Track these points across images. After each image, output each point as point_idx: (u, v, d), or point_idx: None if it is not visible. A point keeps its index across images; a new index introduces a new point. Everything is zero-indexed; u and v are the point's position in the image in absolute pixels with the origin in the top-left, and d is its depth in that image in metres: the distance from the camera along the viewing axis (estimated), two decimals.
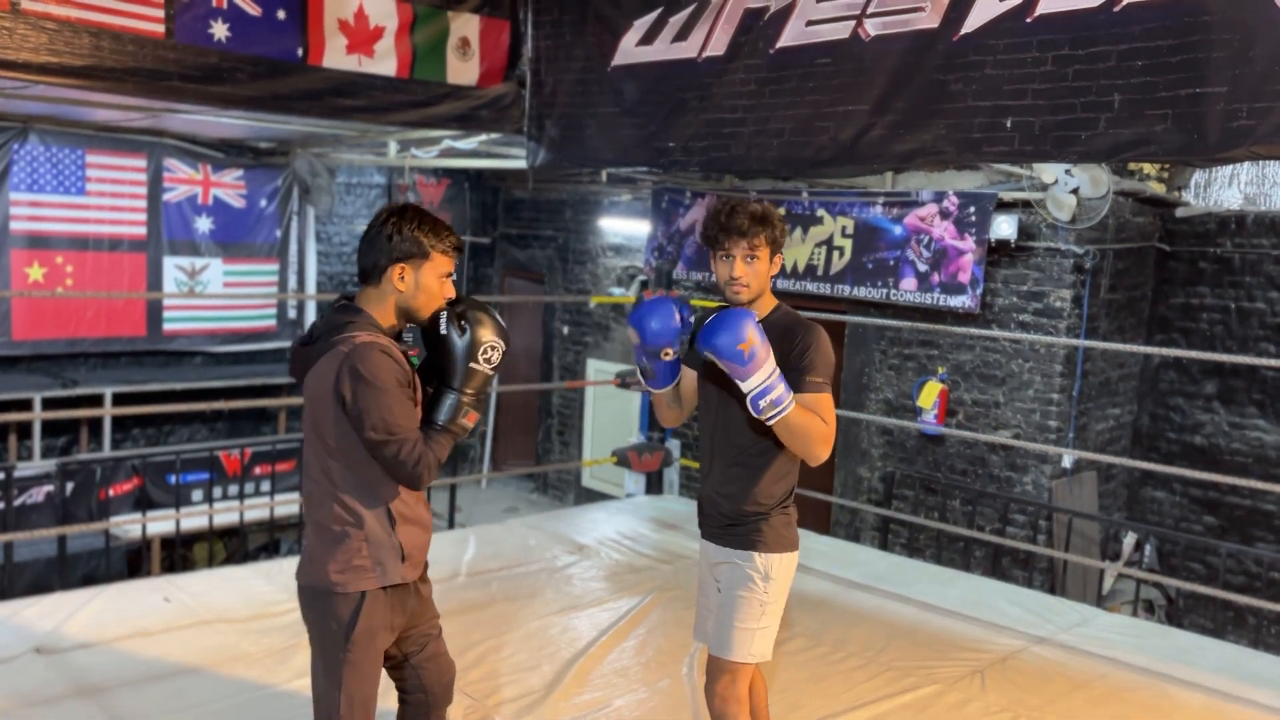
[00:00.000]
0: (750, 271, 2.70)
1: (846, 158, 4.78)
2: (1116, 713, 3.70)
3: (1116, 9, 3.84)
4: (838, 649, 4.12)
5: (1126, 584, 6.81)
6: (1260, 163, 6.30)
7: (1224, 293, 6.69)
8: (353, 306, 2.48)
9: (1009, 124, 4.19)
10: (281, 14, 5.18)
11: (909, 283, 6.81)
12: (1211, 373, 6.77)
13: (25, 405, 7.53)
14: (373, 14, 5.50)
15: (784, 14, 4.89)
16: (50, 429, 8.22)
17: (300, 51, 5.28)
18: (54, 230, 8.05)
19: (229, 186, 8.94)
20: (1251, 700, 3.83)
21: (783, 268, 3.16)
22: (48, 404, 7.67)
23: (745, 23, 5.06)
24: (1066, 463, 6.59)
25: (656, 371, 2.81)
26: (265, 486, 7.70)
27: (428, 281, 2.46)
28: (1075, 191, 6.11)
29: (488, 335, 2.47)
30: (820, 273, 7.28)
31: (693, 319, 2.80)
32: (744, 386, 2.56)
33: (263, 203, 9.14)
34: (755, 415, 2.59)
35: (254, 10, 5.08)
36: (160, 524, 6.79)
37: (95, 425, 8.40)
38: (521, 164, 6.64)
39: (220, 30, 4.99)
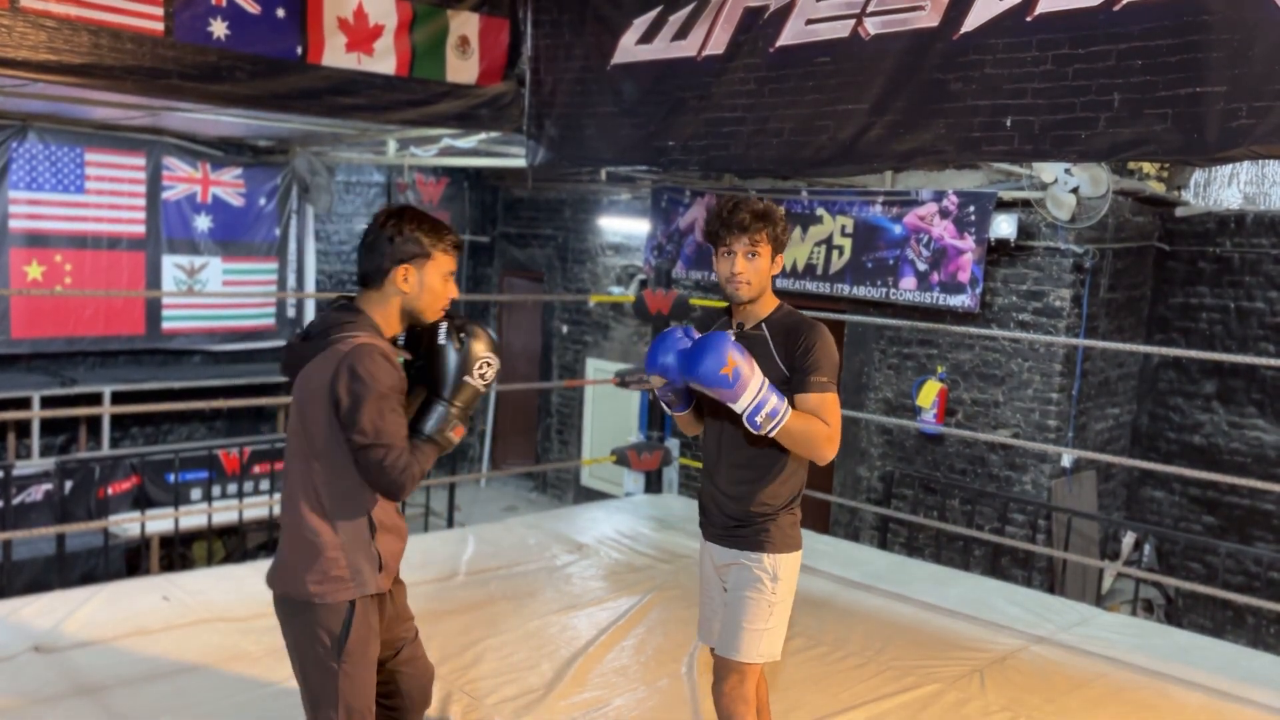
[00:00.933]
0: (751, 268, 2.69)
1: (846, 157, 4.78)
2: (1116, 712, 3.70)
3: (1116, 8, 3.84)
4: (837, 648, 4.12)
5: (1126, 583, 6.81)
6: (1260, 162, 6.30)
7: (1223, 292, 6.69)
8: (353, 307, 2.46)
9: (1008, 123, 4.19)
10: (281, 12, 5.17)
11: (908, 282, 6.81)
12: (1211, 372, 6.77)
13: (24, 404, 7.52)
14: (372, 12, 5.49)
15: (784, 13, 4.89)
16: (49, 427, 8.22)
17: (299, 50, 5.27)
18: (53, 229, 8.04)
19: (228, 185, 8.94)
20: (1250, 700, 3.83)
21: (782, 267, 3.16)
22: (46, 402, 7.66)
23: (745, 21, 5.05)
24: (1066, 462, 6.59)
25: (677, 397, 2.81)
26: (264, 485, 7.69)
27: (431, 281, 2.46)
28: (1075, 191, 6.11)
29: (485, 351, 2.47)
30: (820, 272, 7.28)
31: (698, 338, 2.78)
32: (736, 408, 2.56)
33: (262, 201, 9.13)
34: (754, 432, 2.59)
35: (253, 9, 5.08)
36: (159, 522, 6.79)
37: (94, 424, 8.39)
38: (521, 163, 6.64)
39: (219, 28, 4.98)
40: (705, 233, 2.79)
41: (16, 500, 6.77)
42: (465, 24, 5.90)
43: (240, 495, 7.06)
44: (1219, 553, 6.21)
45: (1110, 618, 4.76)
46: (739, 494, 2.77)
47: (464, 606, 4.36)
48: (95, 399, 7.89)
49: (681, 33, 5.34)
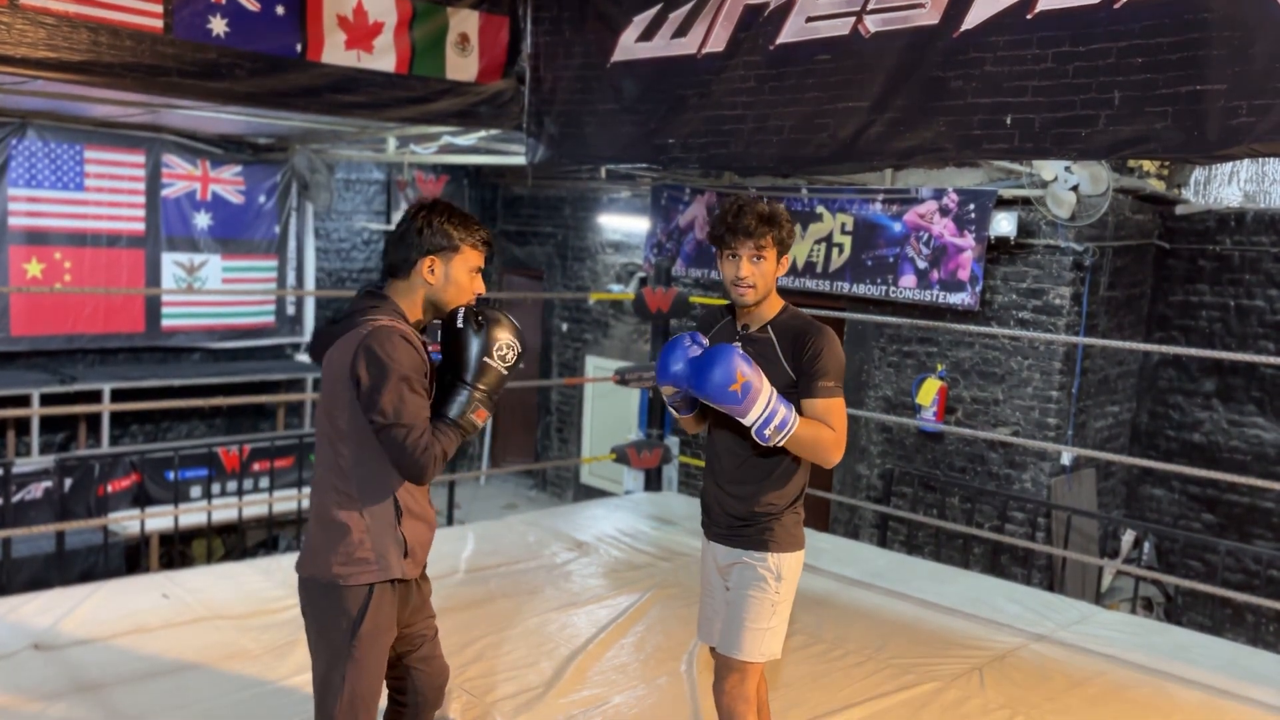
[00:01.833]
0: (756, 272, 2.68)
1: (846, 155, 4.78)
2: (1115, 710, 3.70)
3: (1117, 6, 3.84)
4: (836, 646, 4.12)
5: (1125, 581, 6.81)
6: (1260, 160, 6.29)
7: (1223, 290, 6.69)
8: (380, 293, 2.48)
9: (1009, 121, 4.19)
10: (280, 9, 5.17)
11: (908, 280, 6.81)
12: (1210, 370, 6.77)
13: (24, 401, 7.52)
14: (372, 9, 5.49)
15: (784, 10, 4.88)
16: (48, 425, 8.22)
17: (299, 47, 5.27)
18: (52, 226, 8.04)
19: (228, 182, 8.93)
20: (1249, 698, 3.83)
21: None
22: (46, 400, 7.66)
23: (745, 19, 5.05)
24: (1065, 460, 6.59)
25: (684, 401, 2.80)
26: (264, 483, 7.69)
27: (457, 274, 2.48)
28: (1075, 189, 6.10)
29: (504, 334, 2.47)
30: (820, 270, 7.28)
31: (706, 343, 2.76)
32: (745, 421, 2.55)
33: (261, 199, 9.13)
34: (763, 444, 2.59)
35: (253, 6, 5.07)
36: (159, 520, 6.80)
37: (94, 421, 8.39)
38: (520, 160, 6.63)
39: (219, 26, 4.98)
40: (709, 235, 2.77)
41: (16, 498, 6.77)
42: (465, 21, 5.90)
43: (240, 493, 7.06)
44: (1218, 551, 6.21)
45: (1110, 616, 4.76)
46: (743, 494, 2.76)
47: (463, 604, 4.36)
48: (95, 396, 7.89)
49: (681, 30, 5.34)
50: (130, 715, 3.29)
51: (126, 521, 6.61)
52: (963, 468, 6.95)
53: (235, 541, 7.40)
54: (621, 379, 6.14)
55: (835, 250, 7.20)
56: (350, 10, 5.40)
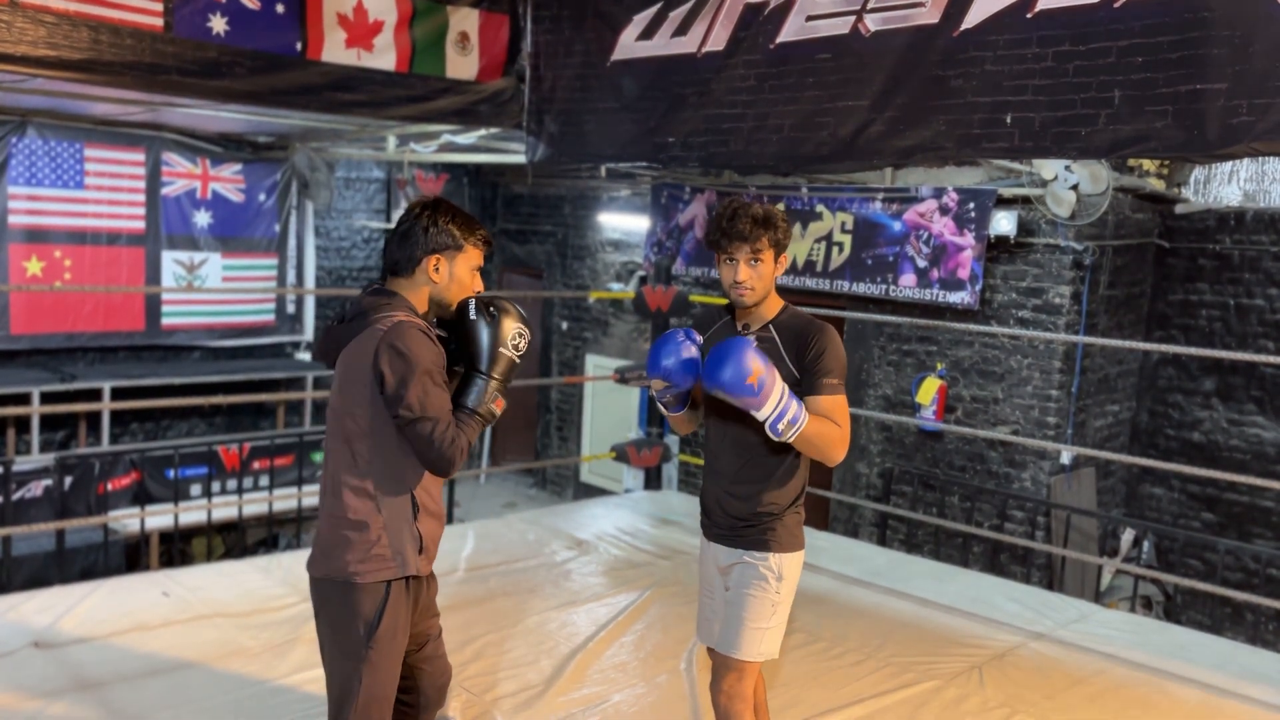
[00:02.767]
0: (754, 275, 2.69)
1: (846, 154, 4.78)
2: (1114, 708, 3.71)
3: (1117, 5, 3.84)
4: (836, 644, 4.13)
5: (1124, 580, 6.82)
6: (1260, 159, 6.29)
7: (1223, 289, 6.69)
8: (388, 290, 2.50)
9: (1009, 120, 4.19)
10: (280, 8, 5.17)
11: (908, 279, 6.81)
12: (1210, 369, 6.78)
13: (23, 399, 7.52)
14: (372, 8, 5.49)
15: (784, 9, 4.88)
16: (48, 423, 8.22)
17: (299, 46, 5.27)
18: (52, 224, 8.04)
19: (228, 181, 8.93)
20: (1248, 696, 3.84)
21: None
22: (46, 398, 7.66)
23: (745, 18, 5.05)
24: (1065, 459, 6.60)
25: (675, 398, 2.80)
26: (264, 481, 7.70)
27: (460, 273, 2.51)
28: (1075, 188, 6.10)
29: (516, 323, 2.51)
30: (819, 269, 7.28)
31: (700, 340, 2.76)
32: (759, 415, 2.54)
33: (261, 197, 9.13)
34: (775, 439, 2.58)
35: (253, 4, 5.07)
36: (159, 518, 6.80)
37: (93, 420, 8.39)
38: (520, 159, 6.63)
39: (219, 24, 4.98)
40: (706, 240, 2.78)
41: (16, 496, 6.77)
42: (465, 20, 5.90)
43: (240, 491, 7.07)
44: (1218, 550, 6.21)
45: (1109, 614, 4.77)
46: (745, 494, 2.76)
47: (463, 602, 4.36)
48: (95, 395, 7.89)
49: (682, 29, 5.34)
50: (130, 713, 3.29)
51: (126, 520, 6.61)
52: (962, 466, 6.96)
53: (235, 540, 7.41)
54: (621, 378, 6.14)
55: (835, 249, 7.20)
56: (350, 9, 5.40)
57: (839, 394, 2.67)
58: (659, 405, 2.87)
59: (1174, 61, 3.73)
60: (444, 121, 6.34)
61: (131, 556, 7.05)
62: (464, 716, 3.39)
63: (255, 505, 6.94)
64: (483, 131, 6.82)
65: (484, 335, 2.48)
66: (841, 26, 4.68)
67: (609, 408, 9.42)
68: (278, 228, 9.28)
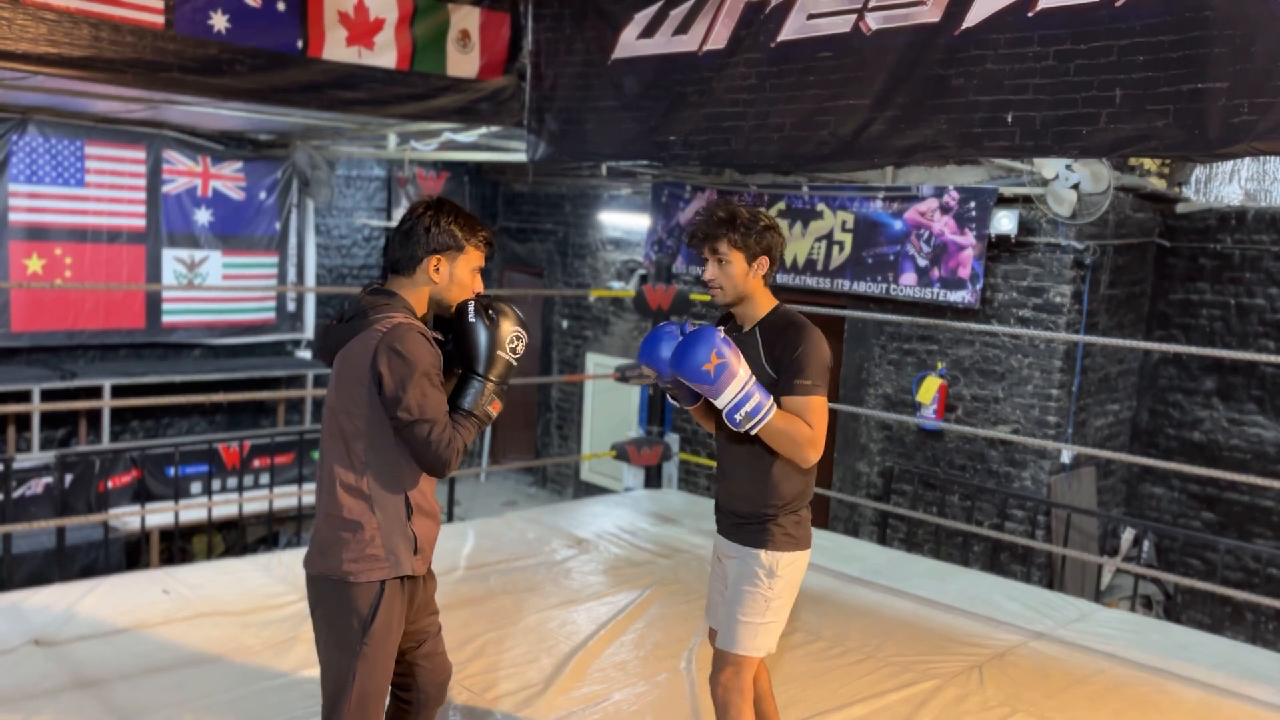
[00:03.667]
0: (722, 274, 2.75)
1: (847, 152, 4.77)
2: (1114, 708, 3.71)
3: (1118, 4, 3.83)
4: (836, 644, 4.13)
5: (1125, 579, 6.82)
6: (1261, 159, 6.29)
7: (1224, 289, 6.69)
8: (387, 290, 2.51)
9: (1010, 119, 4.18)
10: (281, 6, 5.17)
11: (909, 278, 6.81)
12: (1211, 369, 6.77)
13: (24, 397, 7.53)
14: (373, 6, 5.48)
15: (785, 7, 4.88)
16: (49, 421, 8.22)
17: (300, 43, 5.26)
18: (53, 222, 8.04)
19: (228, 179, 8.93)
20: (1248, 696, 3.84)
21: (782, 263, 3.20)
22: (46, 396, 7.66)
23: (746, 16, 5.05)
24: (1065, 458, 6.60)
25: (682, 391, 2.86)
26: (264, 479, 7.70)
27: (461, 274, 2.53)
28: (1076, 187, 6.10)
29: (513, 326, 2.52)
30: (820, 268, 7.28)
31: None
32: (717, 404, 2.61)
33: (262, 195, 9.13)
34: (734, 428, 2.64)
35: (254, 2, 5.07)
36: (159, 516, 6.80)
37: (94, 417, 8.40)
38: (521, 157, 6.63)
39: (220, 22, 4.98)
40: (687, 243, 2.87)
41: (17, 494, 6.77)
42: (466, 18, 5.90)
43: (240, 489, 7.07)
44: (1218, 549, 6.21)
45: (1109, 614, 4.77)
46: (744, 492, 2.82)
47: (463, 601, 4.36)
48: (95, 392, 7.89)
49: (683, 27, 5.33)
50: (130, 711, 3.29)
51: (127, 517, 6.62)
52: (963, 465, 6.96)
53: (235, 537, 7.41)
54: (622, 376, 6.14)
55: (836, 248, 7.20)
56: (351, 7, 5.40)
57: (812, 395, 2.69)
58: (671, 400, 2.95)
59: (1175, 61, 3.72)
60: (445, 120, 6.33)
61: (132, 554, 7.06)
62: (465, 715, 3.39)
63: (255, 503, 6.94)
64: (483, 130, 6.81)
65: (482, 338, 2.49)
66: (843, 25, 4.68)
67: (609, 406, 9.42)
68: (278, 226, 9.28)
